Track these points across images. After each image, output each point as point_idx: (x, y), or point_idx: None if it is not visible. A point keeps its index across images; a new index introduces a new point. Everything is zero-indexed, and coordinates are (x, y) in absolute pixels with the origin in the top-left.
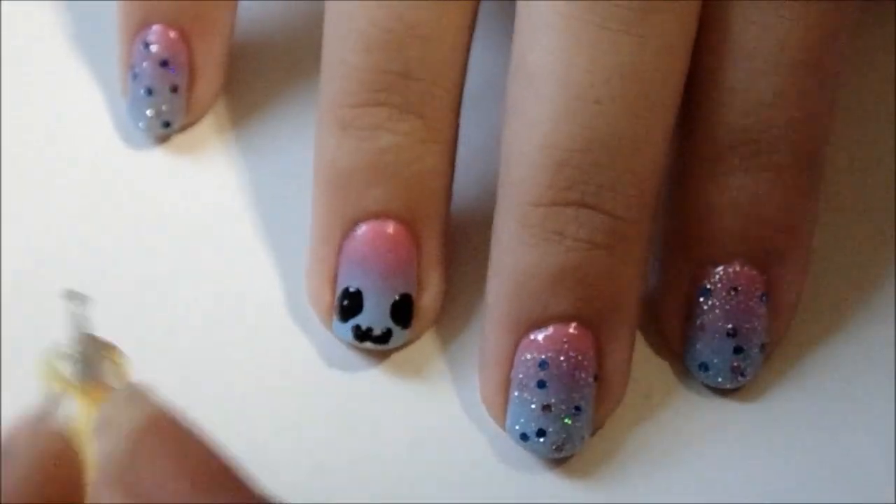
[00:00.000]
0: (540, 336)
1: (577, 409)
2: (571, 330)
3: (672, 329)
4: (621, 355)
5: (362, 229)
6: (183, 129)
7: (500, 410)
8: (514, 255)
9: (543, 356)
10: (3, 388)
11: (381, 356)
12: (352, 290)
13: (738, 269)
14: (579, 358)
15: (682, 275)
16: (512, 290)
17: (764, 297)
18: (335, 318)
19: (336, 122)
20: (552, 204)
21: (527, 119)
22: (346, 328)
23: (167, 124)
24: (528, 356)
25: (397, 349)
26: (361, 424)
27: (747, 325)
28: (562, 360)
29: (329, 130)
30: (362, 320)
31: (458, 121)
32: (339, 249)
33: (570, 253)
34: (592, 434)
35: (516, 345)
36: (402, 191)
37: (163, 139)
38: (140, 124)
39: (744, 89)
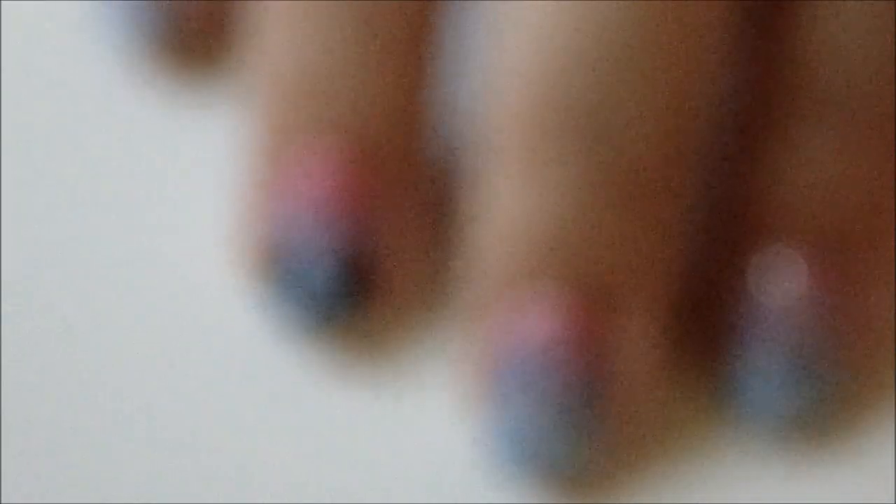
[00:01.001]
0: (527, 313)
1: (575, 419)
2: (569, 308)
3: (703, 338)
4: (644, 350)
5: (309, 165)
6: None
7: (481, 409)
8: (496, 199)
9: (531, 341)
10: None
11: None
12: (294, 244)
13: (803, 260)
14: (583, 348)
15: (722, 263)
16: (491, 248)
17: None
18: (270, 281)
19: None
20: (544, 143)
21: (517, 15)
22: (284, 296)
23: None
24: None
25: (351, 330)
26: (301, 435)
27: (811, 343)
28: (557, 350)
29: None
30: (307, 285)
31: (439, 37)
32: (276, 181)
33: (563, 205)
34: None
35: (499, 321)
36: (361, 119)
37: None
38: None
39: (822, 23)
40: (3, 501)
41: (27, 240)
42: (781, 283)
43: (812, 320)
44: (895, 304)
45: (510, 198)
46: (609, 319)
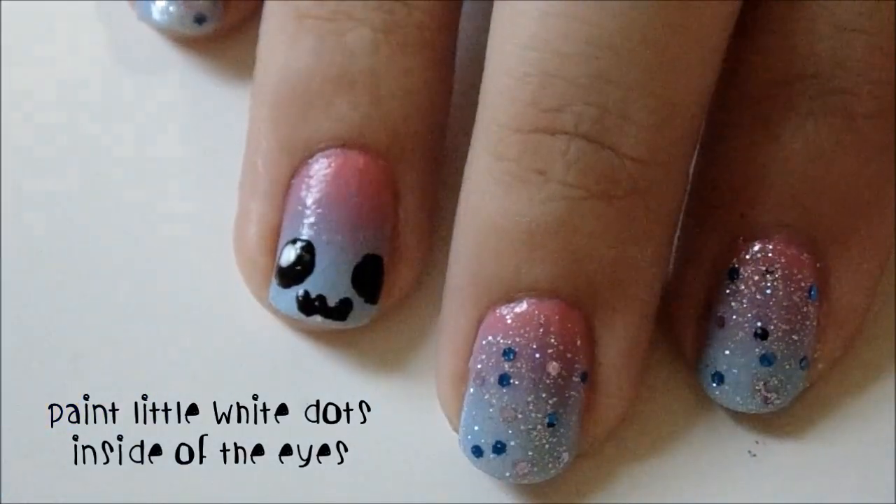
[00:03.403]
0: (508, 313)
1: (553, 418)
2: (552, 308)
3: (683, 323)
4: (624, 350)
5: (320, 162)
6: (217, 35)
7: (455, 411)
8: (481, 200)
9: (510, 341)
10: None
11: (340, 342)
12: (301, 243)
13: (781, 246)
14: (561, 348)
15: (705, 249)
16: (474, 246)
17: (814, 293)
18: (274, 282)
19: (291, 9)
20: (534, 130)
21: (511, 12)
22: (290, 296)
23: (200, 19)
24: (491, 339)
25: (358, 331)
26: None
27: (785, 327)
28: (535, 349)
29: (280, 22)
30: (313, 285)
31: (457, 30)
32: (287, 188)
33: (553, 202)
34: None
35: (478, 323)
36: (379, 112)
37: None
38: (171, 9)
39: (820, 5)
40: (3, 501)
41: (28, 236)
42: (754, 268)
43: (780, 305)
44: (868, 300)
45: (501, 195)
46: (594, 317)
